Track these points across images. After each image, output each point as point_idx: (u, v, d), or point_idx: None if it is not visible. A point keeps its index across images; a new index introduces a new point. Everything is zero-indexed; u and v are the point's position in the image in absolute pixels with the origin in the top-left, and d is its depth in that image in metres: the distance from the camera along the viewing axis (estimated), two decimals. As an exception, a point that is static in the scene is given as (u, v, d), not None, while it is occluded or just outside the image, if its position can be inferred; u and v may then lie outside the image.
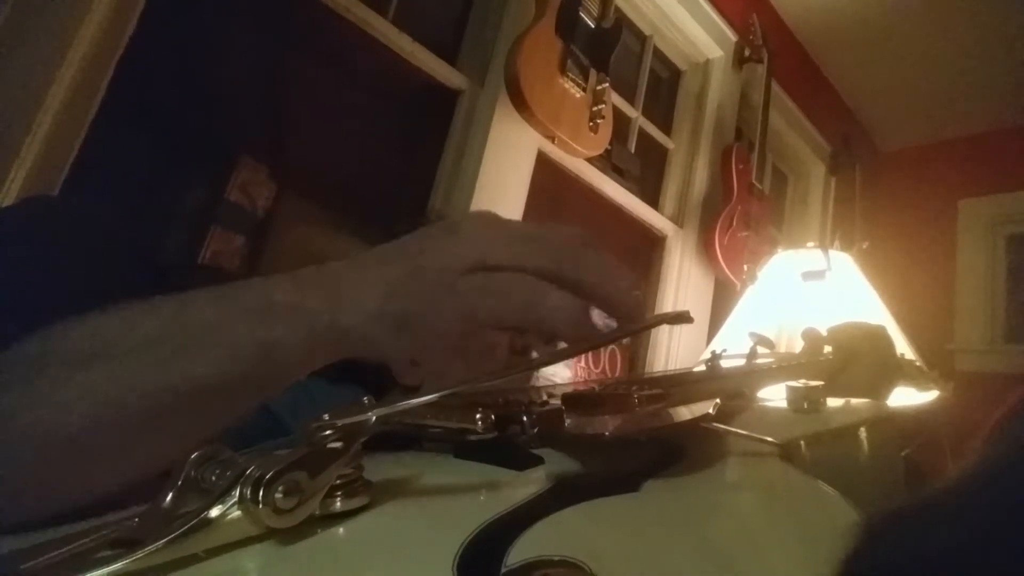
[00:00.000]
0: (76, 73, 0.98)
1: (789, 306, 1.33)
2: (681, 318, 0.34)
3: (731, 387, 0.42)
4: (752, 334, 0.61)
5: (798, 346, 0.66)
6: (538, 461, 0.31)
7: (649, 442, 0.32)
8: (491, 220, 0.36)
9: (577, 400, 0.36)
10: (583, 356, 1.82)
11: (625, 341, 1.99)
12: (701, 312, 2.09)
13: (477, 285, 0.33)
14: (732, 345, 0.62)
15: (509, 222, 0.36)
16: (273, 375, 0.34)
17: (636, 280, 0.36)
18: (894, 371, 0.52)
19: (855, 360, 0.52)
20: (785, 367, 0.51)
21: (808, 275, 1.33)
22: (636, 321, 0.34)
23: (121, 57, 1.05)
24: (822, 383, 0.37)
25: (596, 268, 0.34)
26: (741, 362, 0.57)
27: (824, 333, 0.66)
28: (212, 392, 0.33)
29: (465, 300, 0.33)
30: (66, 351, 0.33)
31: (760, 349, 0.60)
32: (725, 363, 0.55)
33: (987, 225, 2.84)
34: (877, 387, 0.50)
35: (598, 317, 0.33)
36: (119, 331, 0.33)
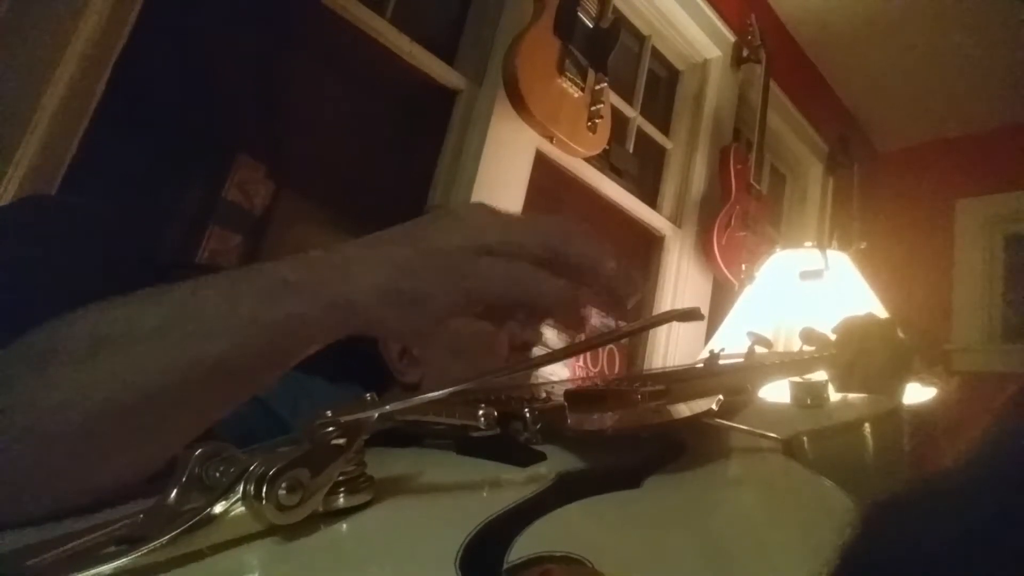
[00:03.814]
0: (74, 72, 0.97)
1: (787, 306, 1.34)
2: (691, 315, 0.34)
3: (734, 383, 0.42)
4: (750, 333, 0.61)
5: (796, 345, 0.66)
6: (540, 458, 0.31)
7: (651, 438, 0.32)
8: (489, 209, 0.39)
9: (579, 396, 0.36)
10: (581, 355, 1.82)
11: (624, 340, 1.99)
12: (699, 312, 2.09)
13: (482, 267, 0.35)
14: (730, 345, 0.62)
15: (505, 212, 0.39)
16: (286, 351, 0.35)
17: (617, 259, 0.39)
18: (907, 365, 0.52)
19: (866, 354, 0.52)
20: (792, 362, 0.51)
21: (806, 275, 1.34)
22: (626, 298, 0.37)
23: (119, 56, 1.04)
24: (825, 379, 0.37)
25: (584, 250, 0.37)
26: (740, 361, 0.57)
27: (824, 332, 0.65)
28: (225, 371, 0.33)
29: (470, 280, 0.35)
30: (65, 349, 0.33)
31: (758, 349, 0.60)
32: (724, 363, 0.55)
33: (984, 225, 2.85)
34: (891, 381, 0.50)
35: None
36: (124, 322, 0.33)
